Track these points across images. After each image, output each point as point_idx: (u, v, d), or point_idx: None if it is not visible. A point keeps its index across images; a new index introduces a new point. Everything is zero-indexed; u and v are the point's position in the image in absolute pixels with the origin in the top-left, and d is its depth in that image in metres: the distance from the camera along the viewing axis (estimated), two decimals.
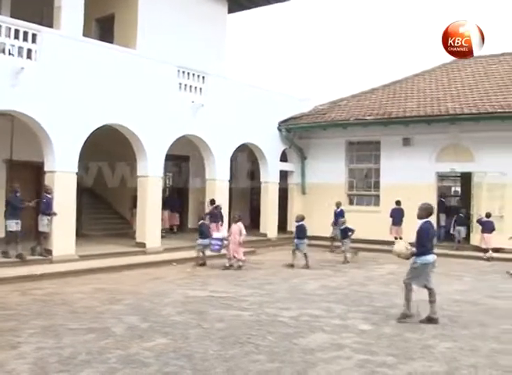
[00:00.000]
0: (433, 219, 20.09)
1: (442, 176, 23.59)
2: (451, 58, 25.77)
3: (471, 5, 43.66)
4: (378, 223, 21.13)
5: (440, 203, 21.37)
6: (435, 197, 21.33)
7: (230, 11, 23.98)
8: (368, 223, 21.18)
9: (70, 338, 8.01)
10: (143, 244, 17.37)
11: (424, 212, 9.83)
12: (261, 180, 22.78)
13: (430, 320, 9.29)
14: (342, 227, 18.09)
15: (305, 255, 16.19)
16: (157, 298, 11.11)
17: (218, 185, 20.10)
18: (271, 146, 22.61)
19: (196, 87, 19.16)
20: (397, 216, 20.30)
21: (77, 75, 15.39)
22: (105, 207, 22.79)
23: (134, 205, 18.62)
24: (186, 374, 6.59)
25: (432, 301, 9.41)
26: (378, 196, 22.56)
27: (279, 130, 23.07)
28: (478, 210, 19.87)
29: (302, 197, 23.83)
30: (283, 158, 23.68)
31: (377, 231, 20.97)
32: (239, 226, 15.76)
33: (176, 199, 22.46)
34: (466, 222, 20.06)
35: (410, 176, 21.06)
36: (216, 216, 18.99)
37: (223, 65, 22.79)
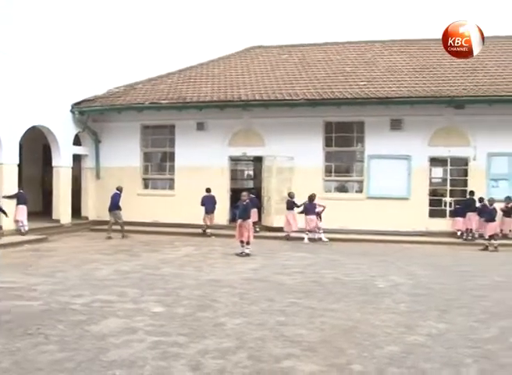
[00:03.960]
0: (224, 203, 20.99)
1: (235, 160, 24.41)
2: (247, 46, 27.05)
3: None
4: (173, 207, 21.49)
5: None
6: (228, 179, 22.11)
7: None
8: (163, 206, 21.40)
9: None
10: None
11: None
12: (53, 164, 21.84)
13: None
14: None
15: None
16: None
17: (5, 169, 18.90)
18: (63, 129, 21.71)
19: None
20: (209, 203, 20.40)
21: None
22: None
23: None
24: None
25: None
26: (172, 180, 22.78)
27: (72, 112, 22.21)
28: (269, 192, 20.90)
29: (96, 181, 23.33)
30: (77, 141, 22.94)
31: (172, 214, 21.32)
32: None
33: None
34: (257, 204, 20.82)
35: (204, 160, 21.62)
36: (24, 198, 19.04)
37: (10, 40, 21.33)
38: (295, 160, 20.89)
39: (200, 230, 20.27)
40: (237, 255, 15.39)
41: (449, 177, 20.62)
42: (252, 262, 14.54)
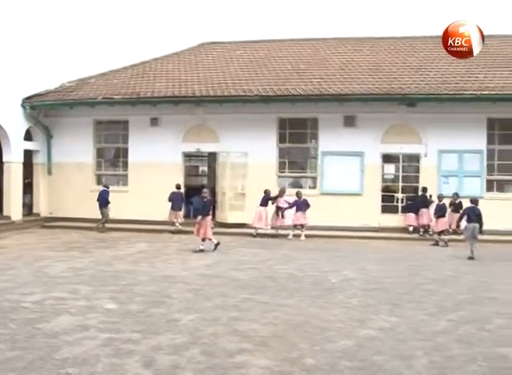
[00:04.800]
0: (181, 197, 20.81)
1: (189, 156, 24.33)
2: (200, 41, 26.95)
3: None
4: (128, 203, 21.28)
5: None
6: (182, 175, 22.00)
7: None
8: (116, 202, 21.14)
9: None
10: None
11: None
12: (4, 159, 21.37)
13: None
14: None
15: None
16: None
17: None
18: (14, 124, 21.18)
19: None
20: (176, 200, 20.28)
21: None
22: None
23: None
24: None
25: None
26: (126, 176, 22.57)
27: (23, 107, 21.74)
28: (223, 189, 20.90)
29: (48, 177, 22.91)
30: (28, 136, 22.47)
31: (127, 210, 21.11)
32: None
33: None
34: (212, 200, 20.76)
35: (158, 156, 21.47)
36: None
37: None
38: (249, 156, 20.92)
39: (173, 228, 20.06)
40: (195, 252, 15.28)
41: (401, 174, 20.96)
42: (207, 257, 14.53)
